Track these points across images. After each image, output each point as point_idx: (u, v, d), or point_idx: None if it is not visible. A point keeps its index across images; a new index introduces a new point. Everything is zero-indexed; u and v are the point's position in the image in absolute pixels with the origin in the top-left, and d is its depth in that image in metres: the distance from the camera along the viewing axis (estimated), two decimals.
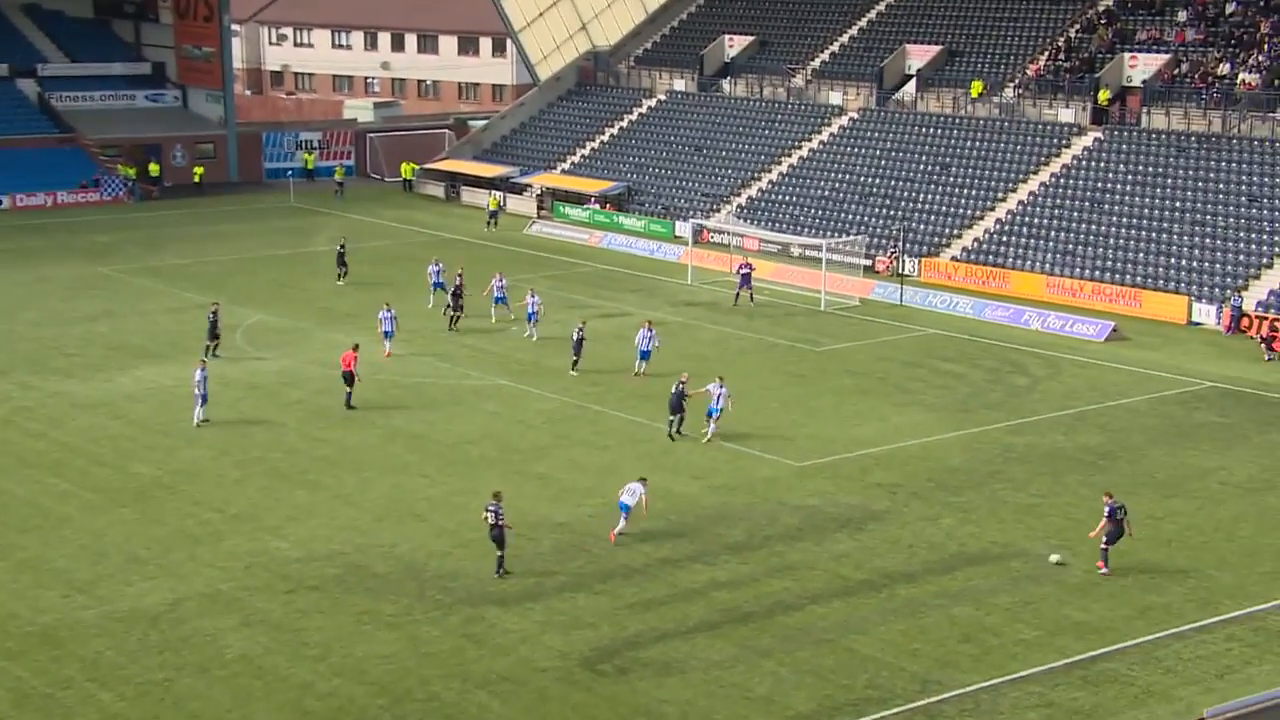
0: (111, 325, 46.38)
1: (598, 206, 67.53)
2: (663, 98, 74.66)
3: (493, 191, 70.40)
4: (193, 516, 29.75)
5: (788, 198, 63.29)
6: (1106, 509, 27.04)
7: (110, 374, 40.55)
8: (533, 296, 44.75)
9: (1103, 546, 27.19)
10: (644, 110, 74.61)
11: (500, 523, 26.68)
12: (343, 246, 52.47)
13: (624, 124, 74.47)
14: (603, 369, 41.45)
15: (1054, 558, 27.50)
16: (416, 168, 77.25)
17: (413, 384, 39.93)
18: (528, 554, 27.83)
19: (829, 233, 58.39)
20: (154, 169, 75.78)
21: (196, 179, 75.40)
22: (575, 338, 40.73)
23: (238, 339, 44.37)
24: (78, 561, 27.44)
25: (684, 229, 61.65)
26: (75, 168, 73.00)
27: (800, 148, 66.33)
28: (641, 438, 35.31)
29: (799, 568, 27.55)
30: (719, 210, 64.48)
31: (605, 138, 74.20)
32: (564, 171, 72.85)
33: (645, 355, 39.98)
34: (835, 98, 67.93)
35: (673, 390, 35.16)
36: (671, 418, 34.86)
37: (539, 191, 71.90)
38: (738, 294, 50.09)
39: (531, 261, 58.75)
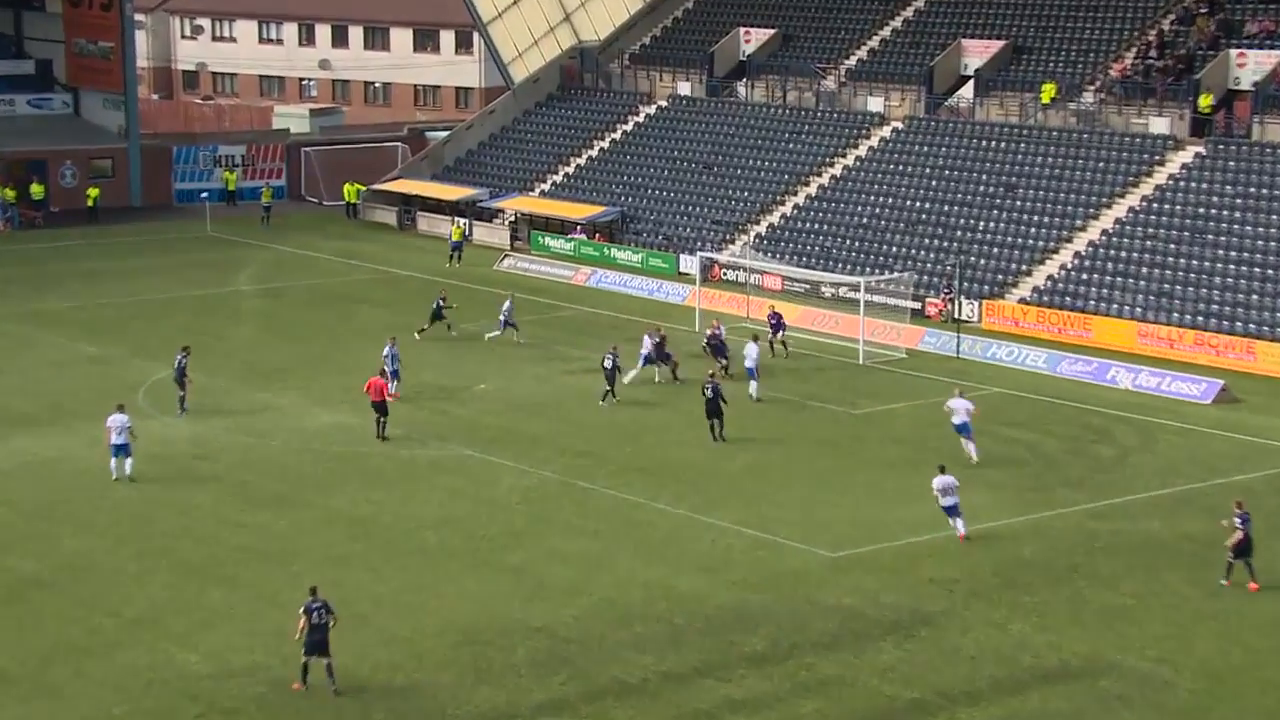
0: None
1: (584, 237, 67.78)
2: (664, 104, 75.17)
3: (456, 219, 70.70)
4: (80, 622, 29.51)
5: (817, 226, 63.53)
6: (1238, 519, 30.52)
7: None
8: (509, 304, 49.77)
9: (1229, 560, 29.75)
10: (641, 119, 75.08)
11: (326, 621, 26.43)
12: (442, 302, 51.77)
13: (616, 136, 74.91)
14: (590, 436, 41.35)
15: None
16: (362, 189, 77.63)
17: (357, 454, 39.83)
18: (498, 666, 27.63)
19: (868, 269, 58.55)
20: (37, 190, 76.12)
21: (90, 203, 75.61)
22: (608, 365, 43.79)
23: (139, 399, 44.31)
24: None
25: (690, 264, 61.83)
26: None
27: (833, 165, 66.69)
28: (639, 520, 35.19)
29: (834, 684, 27.32)
30: (733, 241, 64.68)
31: (594, 153, 74.59)
32: (543, 194, 73.17)
33: (647, 361, 44.57)
34: (875, 104, 68.40)
35: (705, 387, 40.02)
36: (710, 423, 39.66)
37: (512, 219, 72.18)
38: (771, 342, 50.27)
39: (500, 304, 58.80)
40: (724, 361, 46.88)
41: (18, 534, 33.98)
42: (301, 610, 27.01)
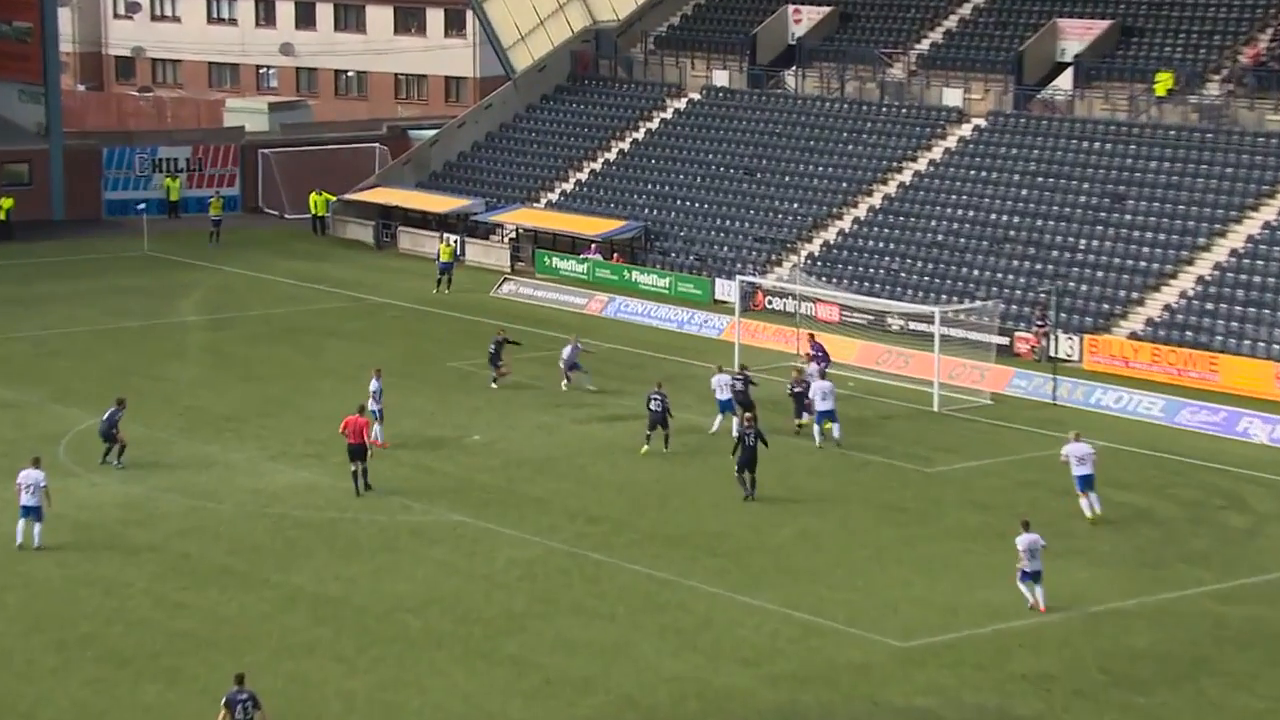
0: None
1: (600, 257, 67.91)
2: (696, 97, 75.39)
3: (445, 236, 70.90)
4: None
5: (882, 245, 63.54)
6: None
7: None
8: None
9: None
10: (668, 116, 75.31)
11: (252, 718, 26.43)
12: (501, 340, 51.83)
13: (639, 136, 75.14)
14: (606, 498, 41.27)
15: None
16: (332, 200, 77.96)
17: (325, 520, 39.81)
18: None
19: (945, 297, 58.51)
20: None
21: (3, 215, 76.16)
22: (656, 409, 44.81)
23: (60, 453, 44.40)
24: None
25: (728, 290, 61.84)
26: None
27: (900, 171, 66.75)
28: (666, 601, 35.06)
29: None
30: (780, 263, 64.71)
31: (611, 156, 74.80)
32: (551, 205, 73.36)
33: (725, 407, 45.39)
34: (952, 96, 68.50)
35: (746, 434, 40.97)
36: (741, 475, 40.78)
37: (513, 235, 72.34)
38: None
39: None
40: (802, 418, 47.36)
41: None
42: (223, 703, 26.90)
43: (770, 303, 61.62)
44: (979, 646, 32.99)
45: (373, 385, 45.01)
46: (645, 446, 44.92)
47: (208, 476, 42.95)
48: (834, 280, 61.32)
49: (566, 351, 51.56)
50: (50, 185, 79.76)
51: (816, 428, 46.08)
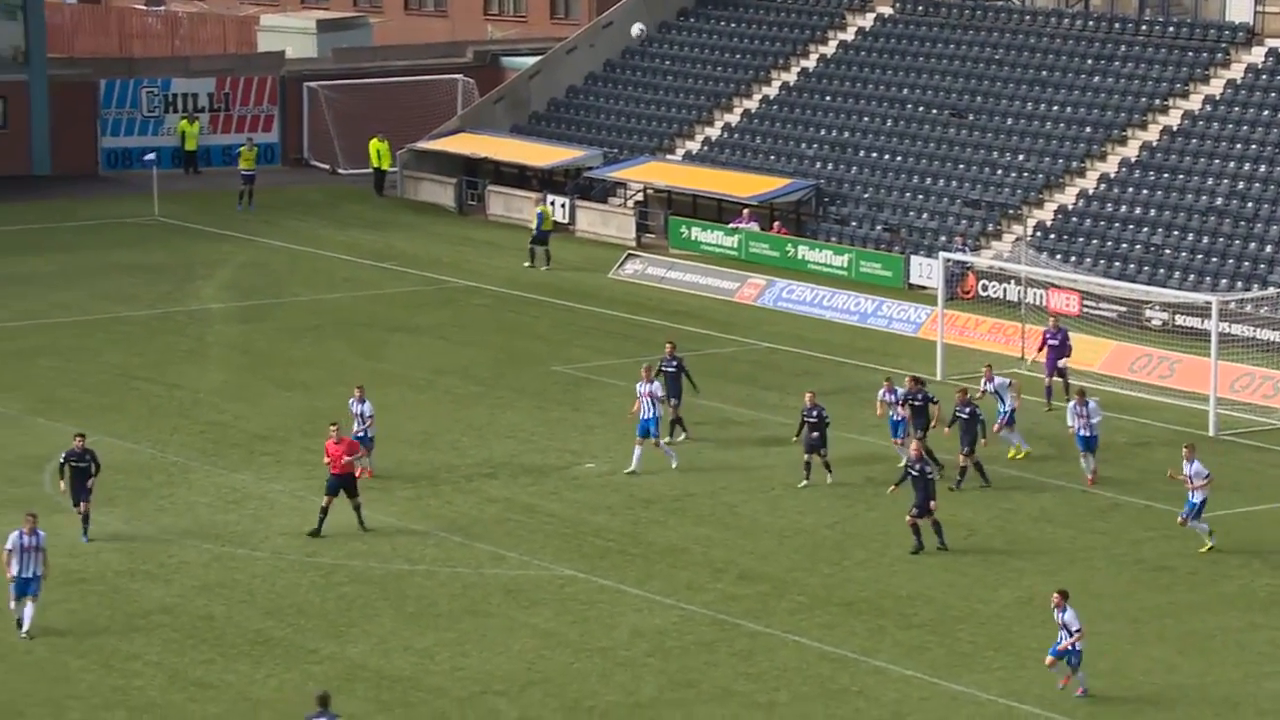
0: None
1: (754, 227, 67.98)
2: (887, 11, 75.23)
3: (545, 196, 71.27)
4: None
5: (1138, 212, 63.12)
6: None
7: None
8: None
9: None
10: (849, 38, 75.29)
11: None
12: (675, 363, 48.80)
13: (808, 64, 75.16)
14: (764, 548, 41.37)
15: None
16: (400, 150, 78.49)
17: (390, 573, 40.21)
18: None
19: (1225, 281, 58.06)
20: None
21: None
22: (813, 422, 44.97)
23: (45, 482, 45.05)
24: None
25: (928, 271, 61.75)
26: None
27: (1165, 111, 66.28)
28: (840, 686, 35.08)
29: None
30: (999, 236, 64.46)
31: (771, 92, 74.84)
32: (690, 158, 73.50)
33: (1087, 444, 45.55)
34: (1240, 9, 67.87)
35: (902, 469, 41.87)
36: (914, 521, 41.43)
37: (640, 197, 72.52)
38: (1049, 385, 50.02)
39: (623, 334, 59.17)
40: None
41: None
42: None
43: (985, 289, 61.34)
44: None
45: (358, 408, 45.28)
46: (804, 480, 45.06)
47: (237, 515, 43.41)
48: (1073, 259, 60.95)
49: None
50: (30, 129, 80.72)
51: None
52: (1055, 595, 34.69)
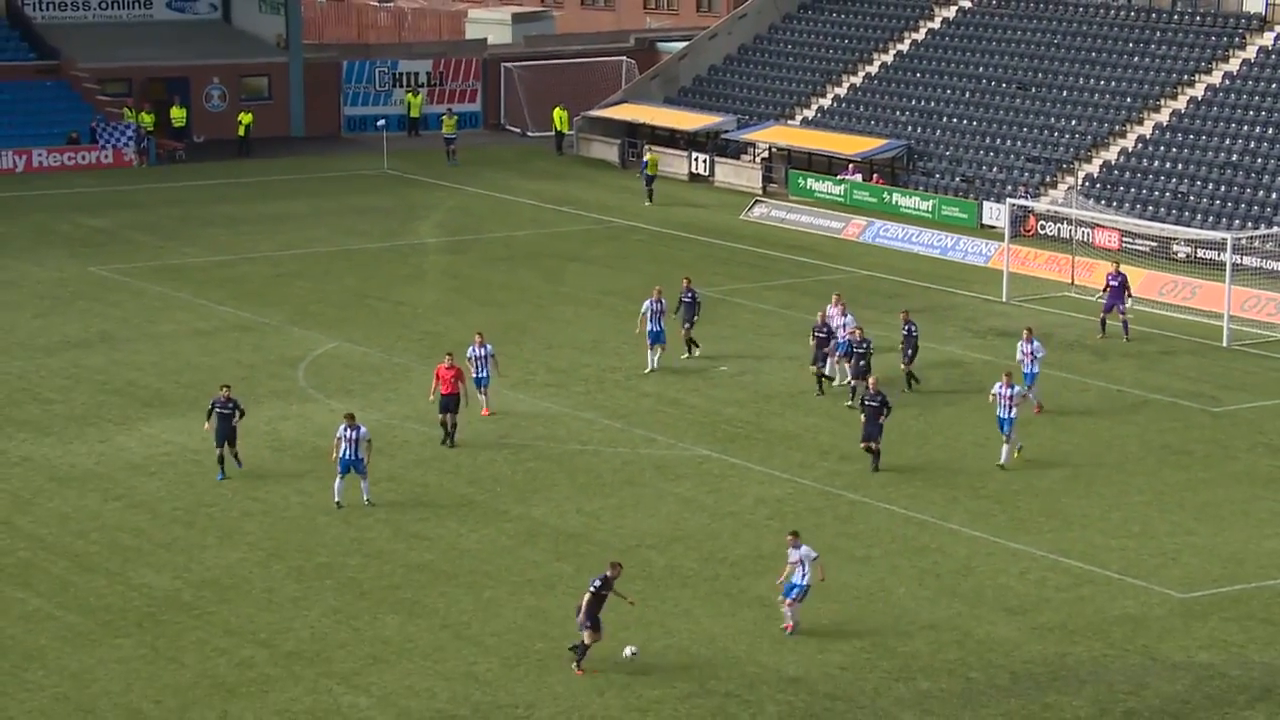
0: (109, 356, 48.13)
1: (858, 178, 67.61)
2: (967, 4, 74.46)
3: (650, 147, 71.35)
4: (227, 654, 30.52)
5: (1169, 165, 62.34)
6: None
7: (107, 431, 42.01)
8: None
9: None
10: (936, 25, 74.53)
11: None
12: (691, 294, 47.21)
13: (903, 47, 74.49)
14: (860, 432, 41.30)
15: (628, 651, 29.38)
16: (576, 117, 78.59)
17: (565, 452, 40.46)
18: None
19: (1238, 222, 57.26)
20: (178, 116, 78.72)
21: (241, 131, 77.89)
22: (907, 337, 44.01)
23: (299, 377, 45.65)
24: None
25: (996, 214, 61.29)
26: (60, 112, 76.11)
27: (1193, 84, 65.29)
28: (924, 544, 35.07)
29: None
30: (1055, 185, 63.84)
31: (873, 69, 74.27)
32: (806, 123, 73.14)
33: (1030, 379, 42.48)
34: (1254, 0, 66.64)
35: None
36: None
37: (766, 155, 72.31)
38: (1104, 319, 49.45)
39: (751, 264, 59.08)
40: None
41: (152, 543, 35.33)
42: None
43: (1043, 228, 60.87)
44: (1268, 600, 32.51)
45: (478, 351, 42.19)
46: (913, 383, 44.32)
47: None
48: (1114, 204, 60.41)
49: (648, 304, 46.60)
50: (289, 100, 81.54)
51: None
52: (788, 536, 31.27)
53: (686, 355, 46.98)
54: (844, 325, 44.69)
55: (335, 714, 28.31)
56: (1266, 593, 32.81)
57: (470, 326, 50.20)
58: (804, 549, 31.03)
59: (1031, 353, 42.63)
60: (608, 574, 29.64)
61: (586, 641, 29.35)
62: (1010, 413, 39.22)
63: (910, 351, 44.44)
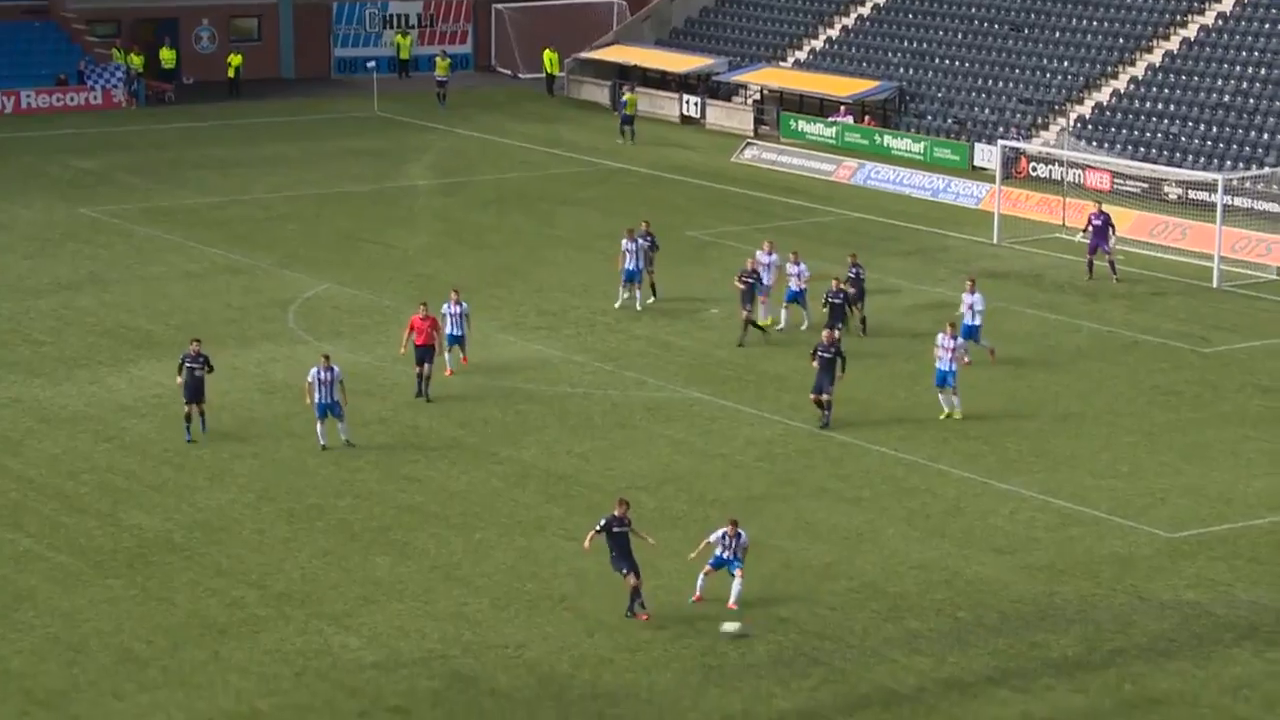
0: (99, 298, 48.15)
1: (850, 120, 67.49)
2: None
3: (633, 86, 71.29)
4: (217, 595, 30.64)
5: (1161, 107, 62.24)
6: None
7: (97, 372, 42.11)
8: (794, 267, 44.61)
9: None
10: None
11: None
12: (648, 238, 46.51)
13: None
14: (853, 377, 41.38)
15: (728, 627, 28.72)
16: (567, 59, 78.35)
17: (556, 395, 40.50)
18: (731, 665, 28.00)
19: (1229, 163, 57.22)
20: (167, 58, 78.56)
21: (231, 73, 77.87)
22: (854, 280, 43.19)
23: (289, 319, 45.65)
24: (42, 661, 28.44)
25: (988, 155, 61.19)
26: (49, 54, 75.96)
27: (1185, 24, 65.12)
28: (914, 485, 35.17)
29: (1168, 702, 27.02)
30: (1047, 127, 63.73)
31: (865, 10, 74.01)
32: (798, 65, 72.93)
33: (970, 333, 41.44)
34: None
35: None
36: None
37: (757, 96, 72.12)
38: (1091, 260, 49.39)
39: (743, 206, 59.03)
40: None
41: (142, 484, 35.43)
42: None
43: (1035, 169, 60.80)
44: (1255, 539, 32.66)
45: (453, 309, 40.94)
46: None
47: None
48: (1106, 145, 60.35)
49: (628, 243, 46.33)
50: (279, 41, 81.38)
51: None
52: (730, 523, 30.01)
53: (651, 300, 46.71)
54: (771, 267, 44.29)
55: (326, 654, 28.42)
56: (1254, 532, 32.96)
57: (461, 270, 50.31)
58: (743, 537, 29.84)
59: (971, 304, 41.84)
60: (616, 513, 29.57)
61: (633, 584, 29.26)
62: (950, 365, 38.45)
63: (859, 295, 43.93)
